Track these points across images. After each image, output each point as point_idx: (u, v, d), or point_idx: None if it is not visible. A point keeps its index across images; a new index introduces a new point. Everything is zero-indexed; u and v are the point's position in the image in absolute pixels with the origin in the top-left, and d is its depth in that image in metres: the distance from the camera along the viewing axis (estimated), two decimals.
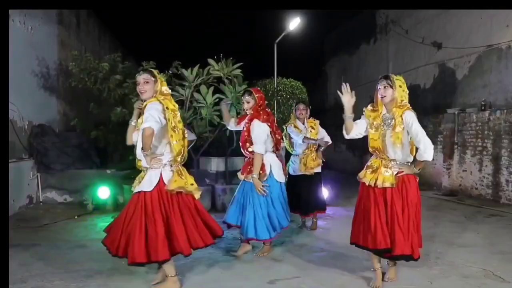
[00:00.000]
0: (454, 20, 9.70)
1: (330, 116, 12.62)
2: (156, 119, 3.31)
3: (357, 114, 3.73)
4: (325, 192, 6.58)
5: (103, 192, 7.06)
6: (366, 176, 3.68)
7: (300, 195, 5.76)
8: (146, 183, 3.47)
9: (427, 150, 3.45)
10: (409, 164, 3.65)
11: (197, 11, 11.62)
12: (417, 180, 3.71)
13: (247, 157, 4.59)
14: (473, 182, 8.72)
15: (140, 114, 3.52)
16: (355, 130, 3.74)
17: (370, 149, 3.73)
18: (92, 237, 5.28)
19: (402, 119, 3.53)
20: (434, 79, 10.59)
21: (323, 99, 17.28)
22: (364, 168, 3.76)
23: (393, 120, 3.55)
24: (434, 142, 10.15)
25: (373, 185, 3.61)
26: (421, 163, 3.60)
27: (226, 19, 12.94)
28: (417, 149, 3.59)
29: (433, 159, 10.17)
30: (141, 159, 3.50)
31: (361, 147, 12.54)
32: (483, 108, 8.54)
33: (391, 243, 3.50)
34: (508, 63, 8.29)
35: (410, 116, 3.52)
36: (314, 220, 6.01)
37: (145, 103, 3.45)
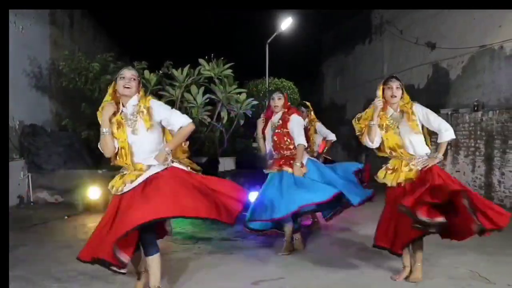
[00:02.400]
0: (448, 21, 9.69)
1: (326, 116, 12.61)
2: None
3: (354, 113, 3.73)
4: None
5: (94, 192, 7.04)
6: (386, 177, 3.69)
7: None
8: (146, 174, 3.25)
9: (448, 129, 3.55)
10: (429, 156, 3.65)
11: (190, 11, 11.60)
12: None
13: (280, 155, 4.58)
14: (466, 183, 8.68)
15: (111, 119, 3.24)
16: (378, 137, 3.73)
17: (387, 151, 3.73)
18: (80, 237, 5.25)
19: (413, 111, 3.63)
20: (428, 79, 10.59)
21: (320, 99, 17.29)
22: (383, 169, 3.76)
23: (404, 114, 3.64)
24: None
25: (396, 185, 3.63)
26: (444, 146, 3.61)
27: (220, 19, 12.91)
28: (431, 141, 3.71)
29: None
30: (146, 158, 3.27)
31: (355, 148, 12.55)
32: (476, 108, 8.53)
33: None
34: (500, 63, 8.28)
35: (420, 107, 3.66)
36: (316, 220, 5.97)
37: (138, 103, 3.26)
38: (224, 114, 7.61)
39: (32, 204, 7.31)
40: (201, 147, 8.41)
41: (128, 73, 3.27)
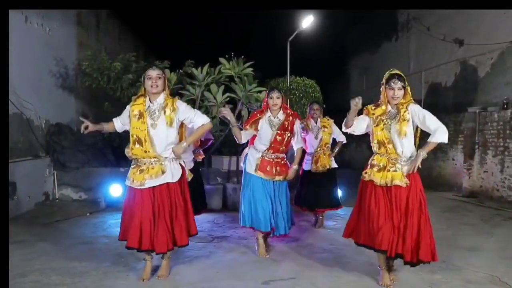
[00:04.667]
0: (476, 17, 9.38)
1: None
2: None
3: None
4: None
5: (116, 190, 7.16)
6: (374, 175, 3.61)
7: (310, 191, 5.81)
8: (170, 175, 3.65)
9: (444, 132, 3.43)
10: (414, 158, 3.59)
11: (212, 11, 11.66)
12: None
13: (273, 156, 4.56)
14: (494, 184, 8.42)
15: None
16: (354, 126, 3.76)
17: (375, 145, 3.70)
18: (98, 234, 5.37)
19: (407, 110, 3.57)
20: (456, 77, 10.28)
21: (345, 98, 17.04)
22: (369, 167, 3.69)
23: (399, 112, 3.57)
24: (454, 142, 9.92)
25: (383, 185, 3.55)
26: (432, 146, 3.52)
27: (243, 18, 12.92)
28: (420, 142, 3.65)
29: (453, 159, 9.87)
30: (162, 151, 3.64)
31: None
32: (505, 106, 8.23)
33: (404, 248, 3.48)
34: None
35: (417, 107, 3.59)
36: (321, 217, 5.94)
37: (172, 100, 3.69)
38: (244, 113, 7.60)
39: (57, 201, 7.48)
40: (222, 146, 8.45)
41: (154, 73, 3.62)
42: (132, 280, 3.77)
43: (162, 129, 3.62)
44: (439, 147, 10.05)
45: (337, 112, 6.21)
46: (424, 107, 3.64)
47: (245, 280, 3.82)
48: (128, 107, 3.77)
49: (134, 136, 3.63)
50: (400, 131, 3.52)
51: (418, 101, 11.89)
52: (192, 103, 7.19)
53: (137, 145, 3.63)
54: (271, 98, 4.55)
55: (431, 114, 3.52)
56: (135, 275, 3.87)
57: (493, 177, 8.44)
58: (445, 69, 10.63)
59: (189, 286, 3.67)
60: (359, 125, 3.77)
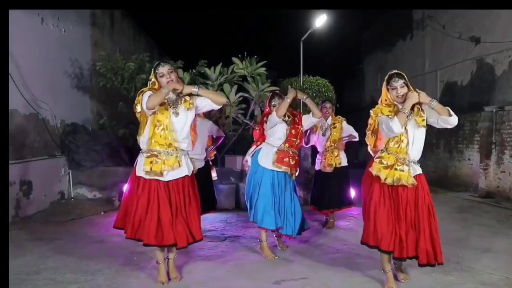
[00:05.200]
0: (493, 14, 9.22)
1: (367, 115, 12.23)
2: None
3: None
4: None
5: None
6: (381, 171, 3.52)
7: (319, 191, 5.83)
8: (186, 168, 3.68)
9: (454, 116, 3.45)
10: (418, 164, 3.58)
11: (225, 11, 11.69)
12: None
13: (291, 151, 4.63)
14: (511, 184, 8.26)
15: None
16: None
17: (389, 144, 3.56)
18: (111, 233, 5.37)
19: (421, 107, 3.53)
20: (472, 75, 10.11)
21: (360, 97, 16.96)
22: (376, 162, 3.58)
23: (413, 110, 3.51)
24: (470, 142, 9.77)
25: (389, 183, 3.49)
26: (440, 107, 3.43)
27: (256, 18, 12.92)
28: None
29: (469, 159, 9.70)
30: (182, 142, 3.67)
31: None
32: None
33: (418, 250, 3.45)
34: None
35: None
36: (331, 220, 5.89)
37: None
38: (257, 112, 7.61)
39: (72, 199, 7.58)
40: (235, 145, 8.47)
41: (165, 69, 3.59)
42: (144, 279, 3.80)
43: (182, 116, 3.64)
44: (455, 146, 9.93)
45: (353, 112, 6.19)
46: None
47: (256, 279, 3.82)
48: (149, 92, 3.56)
49: (155, 122, 3.58)
50: (418, 122, 3.49)
51: None
52: None
53: (157, 130, 3.58)
54: (274, 105, 4.64)
55: None
56: (147, 274, 3.90)
57: (510, 177, 8.27)
58: (461, 68, 10.47)
59: (199, 285, 3.69)
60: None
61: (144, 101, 3.48)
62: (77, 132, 8.02)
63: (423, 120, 3.49)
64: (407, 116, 3.45)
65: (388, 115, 3.51)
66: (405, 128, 3.48)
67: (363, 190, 3.73)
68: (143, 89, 3.67)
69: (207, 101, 3.73)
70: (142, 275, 3.90)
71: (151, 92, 3.53)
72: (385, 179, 3.50)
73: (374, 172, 3.57)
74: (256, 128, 4.75)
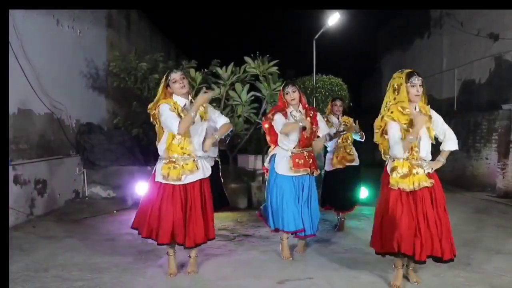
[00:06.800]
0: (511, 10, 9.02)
1: None
2: None
3: None
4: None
5: (142, 188, 7.27)
6: (403, 182, 3.46)
7: (329, 190, 5.73)
8: (202, 171, 3.82)
9: (455, 140, 3.60)
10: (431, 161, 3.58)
11: (238, 11, 11.71)
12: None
13: (304, 150, 4.46)
14: None
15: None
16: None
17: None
18: (123, 231, 5.47)
19: (431, 115, 3.57)
20: (490, 73, 9.90)
21: (377, 96, 16.75)
22: (391, 175, 3.51)
23: (422, 111, 3.53)
24: (488, 141, 9.57)
25: (412, 189, 3.45)
26: (447, 154, 3.62)
27: (270, 17, 12.92)
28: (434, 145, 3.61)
29: (486, 158, 9.51)
30: (198, 149, 3.81)
31: None
32: None
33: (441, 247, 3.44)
34: None
35: (434, 112, 3.65)
36: (342, 219, 5.82)
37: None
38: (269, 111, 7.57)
39: (86, 198, 7.69)
40: (247, 145, 8.46)
41: (177, 75, 3.72)
42: (150, 277, 3.83)
43: (198, 125, 3.75)
44: (472, 145, 9.73)
45: (371, 111, 6.09)
46: (457, 105, 3.68)
47: (261, 279, 3.81)
48: (166, 106, 3.66)
49: (173, 133, 3.67)
50: (429, 129, 3.51)
51: (451, 99, 11.58)
52: (217, 102, 7.24)
53: (175, 141, 3.71)
54: (287, 93, 4.40)
55: (442, 118, 3.63)
56: (153, 272, 3.93)
57: None
58: (479, 66, 10.26)
59: (205, 282, 3.70)
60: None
61: (162, 116, 3.63)
62: (92, 131, 8.14)
63: (433, 129, 3.56)
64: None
65: (401, 127, 3.47)
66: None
67: (381, 196, 3.67)
68: (158, 100, 3.75)
69: (221, 118, 4.02)
70: (148, 273, 3.93)
71: (168, 106, 3.65)
72: (409, 187, 3.46)
73: (395, 187, 3.48)
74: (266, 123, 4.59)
